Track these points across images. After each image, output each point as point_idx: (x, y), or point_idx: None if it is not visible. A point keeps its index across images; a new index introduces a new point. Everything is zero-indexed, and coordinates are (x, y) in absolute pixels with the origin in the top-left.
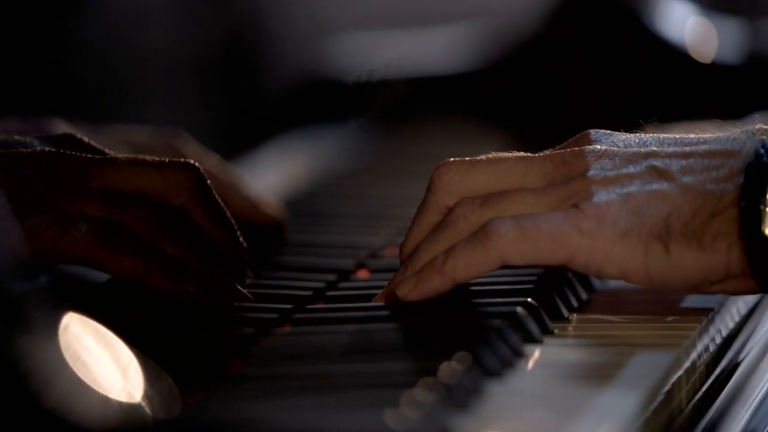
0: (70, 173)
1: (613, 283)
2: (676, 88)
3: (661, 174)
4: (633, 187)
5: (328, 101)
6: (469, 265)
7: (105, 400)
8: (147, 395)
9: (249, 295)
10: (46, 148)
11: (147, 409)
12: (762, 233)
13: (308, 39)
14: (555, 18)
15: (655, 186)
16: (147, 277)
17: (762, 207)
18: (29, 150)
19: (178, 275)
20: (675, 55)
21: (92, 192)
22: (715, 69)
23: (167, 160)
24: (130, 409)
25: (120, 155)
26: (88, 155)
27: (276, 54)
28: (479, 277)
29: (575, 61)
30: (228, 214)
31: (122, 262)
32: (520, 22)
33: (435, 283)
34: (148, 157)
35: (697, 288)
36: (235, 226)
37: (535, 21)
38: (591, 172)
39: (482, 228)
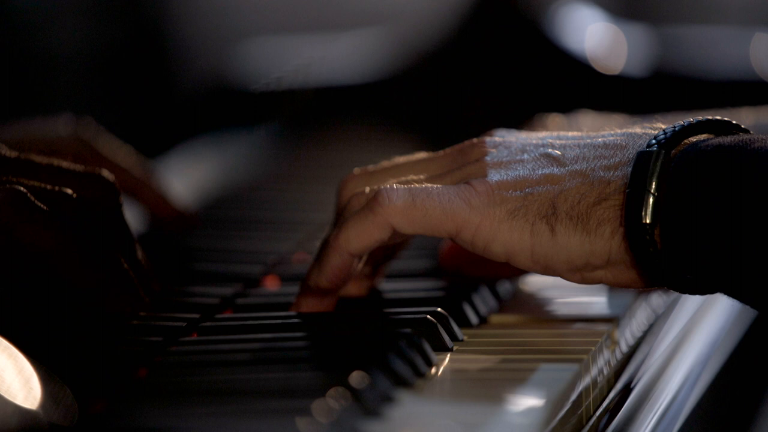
0: None
1: (521, 292)
2: (578, 96)
3: (553, 160)
4: (524, 170)
5: (237, 107)
6: (360, 234)
7: (4, 406)
8: (46, 404)
9: (149, 304)
10: None
11: (45, 417)
12: (642, 221)
13: (217, 44)
14: (460, 27)
15: (546, 170)
16: (56, 251)
17: (645, 195)
18: None
19: (85, 257)
20: (576, 64)
21: (12, 179)
22: (618, 79)
23: (82, 169)
24: (28, 415)
25: (35, 157)
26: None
27: (184, 59)
28: (373, 247)
29: (481, 70)
30: (132, 229)
31: (36, 232)
32: (425, 30)
33: (334, 260)
34: (63, 163)
35: (580, 272)
36: (137, 243)
37: (440, 30)
38: (487, 158)
39: (373, 195)
